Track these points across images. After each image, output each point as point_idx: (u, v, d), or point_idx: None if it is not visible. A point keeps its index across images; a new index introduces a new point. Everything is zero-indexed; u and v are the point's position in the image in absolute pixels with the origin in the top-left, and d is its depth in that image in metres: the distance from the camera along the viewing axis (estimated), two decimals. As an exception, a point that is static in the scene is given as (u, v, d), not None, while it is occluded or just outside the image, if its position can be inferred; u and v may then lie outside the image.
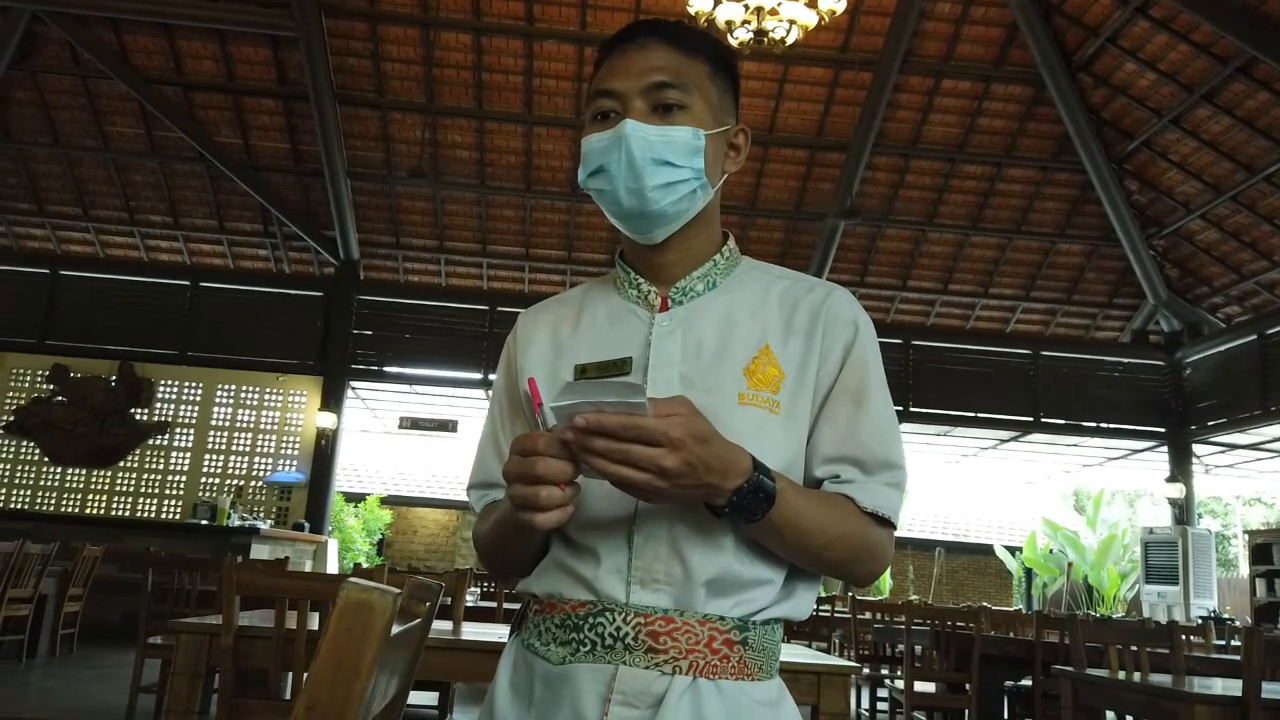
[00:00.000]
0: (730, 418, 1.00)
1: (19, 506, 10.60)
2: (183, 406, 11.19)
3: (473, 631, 3.15)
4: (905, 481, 1.07)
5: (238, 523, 9.34)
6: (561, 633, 1.02)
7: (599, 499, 1.00)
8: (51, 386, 10.98)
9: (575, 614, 1.02)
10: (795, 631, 7.10)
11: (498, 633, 3.16)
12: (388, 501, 15.99)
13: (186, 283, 11.39)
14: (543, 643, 1.04)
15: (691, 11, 6.70)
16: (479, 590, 6.49)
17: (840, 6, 6.58)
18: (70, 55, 10.18)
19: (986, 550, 16.86)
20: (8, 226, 11.50)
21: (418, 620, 1.03)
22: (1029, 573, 15.45)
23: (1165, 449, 11.89)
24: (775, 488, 0.95)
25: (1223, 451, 12.52)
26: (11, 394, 11.05)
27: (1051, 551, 14.95)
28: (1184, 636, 4.29)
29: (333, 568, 10.99)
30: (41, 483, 10.89)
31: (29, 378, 11.07)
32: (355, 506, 14.82)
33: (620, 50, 1.10)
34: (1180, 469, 11.67)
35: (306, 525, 10.31)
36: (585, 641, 1.00)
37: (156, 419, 11.10)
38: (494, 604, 5.23)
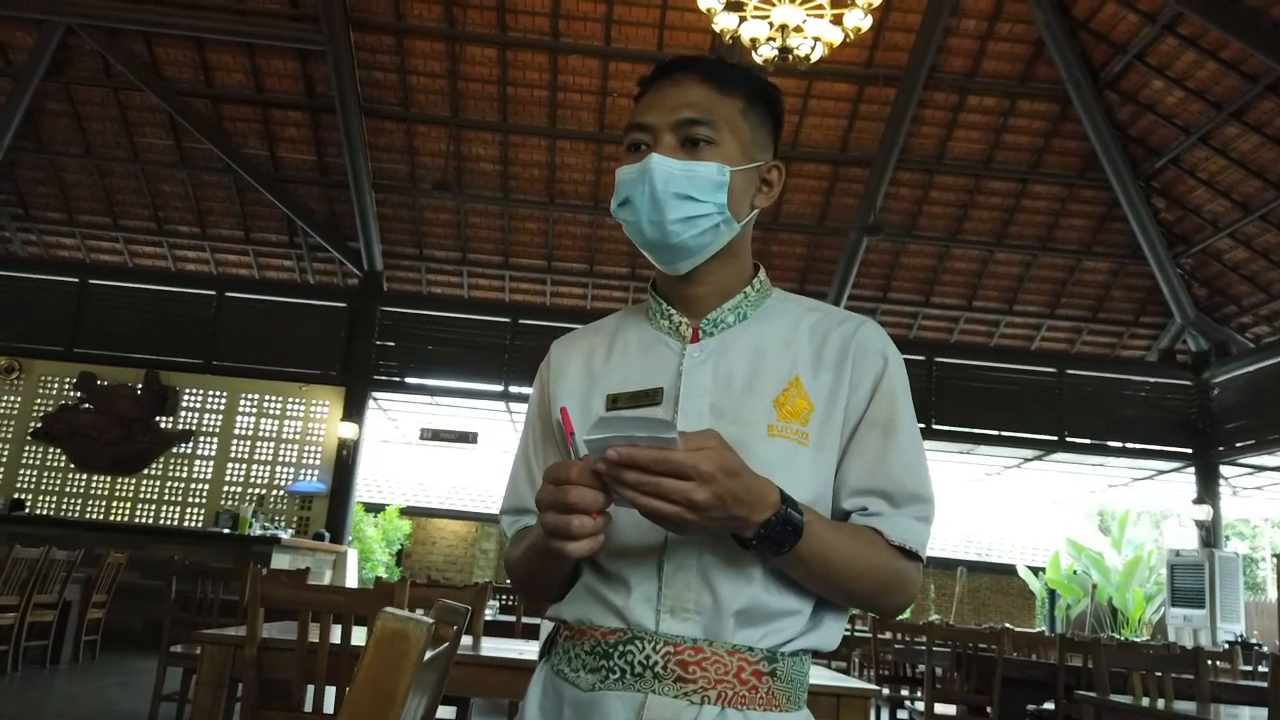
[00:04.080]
0: (759, 448, 1.01)
1: (45, 513, 10.72)
2: (207, 415, 11.31)
3: (491, 647, 3.15)
4: (933, 514, 1.08)
5: (259, 532, 9.41)
6: (591, 659, 1.03)
7: (630, 528, 1.01)
8: (79, 394, 11.12)
9: (605, 641, 1.02)
10: (815, 652, 7.05)
11: (517, 648, 3.16)
12: (407, 512, 16.04)
13: (212, 292, 11.53)
14: (572, 669, 1.05)
15: (716, 29, 6.72)
16: (497, 604, 6.50)
17: (866, 24, 6.57)
18: (102, 67, 10.36)
19: (1009, 570, 16.69)
20: (39, 235, 11.69)
21: (446, 644, 1.04)
22: (1052, 594, 15.27)
23: (1192, 470, 11.75)
24: (803, 521, 0.96)
25: (1251, 473, 12.36)
26: (39, 401, 11.20)
27: (1075, 572, 14.77)
28: (1210, 662, 4.23)
29: (352, 578, 11.03)
30: (67, 489, 11.02)
31: (57, 385, 11.23)
32: (375, 516, 14.88)
33: (657, 85, 1.12)
34: (1207, 490, 11.53)
35: (327, 535, 10.37)
36: (615, 669, 1.01)
37: (181, 427, 11.22)
38: (512, 619, 5.24)
